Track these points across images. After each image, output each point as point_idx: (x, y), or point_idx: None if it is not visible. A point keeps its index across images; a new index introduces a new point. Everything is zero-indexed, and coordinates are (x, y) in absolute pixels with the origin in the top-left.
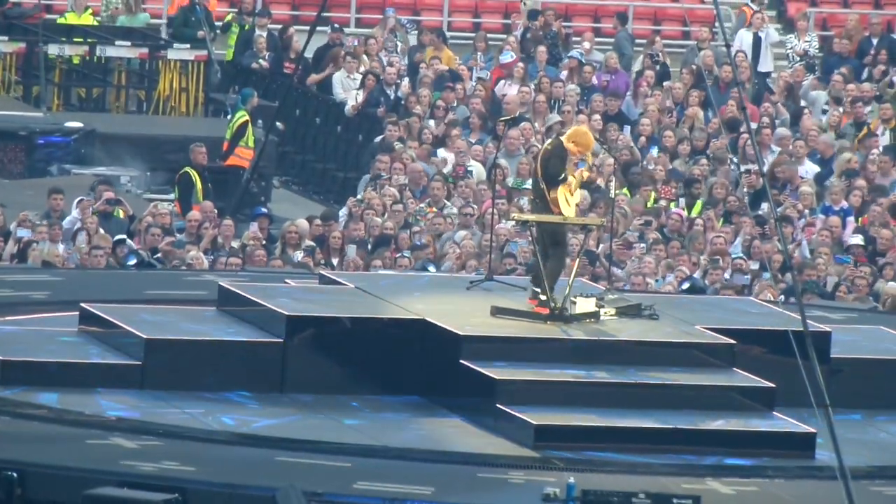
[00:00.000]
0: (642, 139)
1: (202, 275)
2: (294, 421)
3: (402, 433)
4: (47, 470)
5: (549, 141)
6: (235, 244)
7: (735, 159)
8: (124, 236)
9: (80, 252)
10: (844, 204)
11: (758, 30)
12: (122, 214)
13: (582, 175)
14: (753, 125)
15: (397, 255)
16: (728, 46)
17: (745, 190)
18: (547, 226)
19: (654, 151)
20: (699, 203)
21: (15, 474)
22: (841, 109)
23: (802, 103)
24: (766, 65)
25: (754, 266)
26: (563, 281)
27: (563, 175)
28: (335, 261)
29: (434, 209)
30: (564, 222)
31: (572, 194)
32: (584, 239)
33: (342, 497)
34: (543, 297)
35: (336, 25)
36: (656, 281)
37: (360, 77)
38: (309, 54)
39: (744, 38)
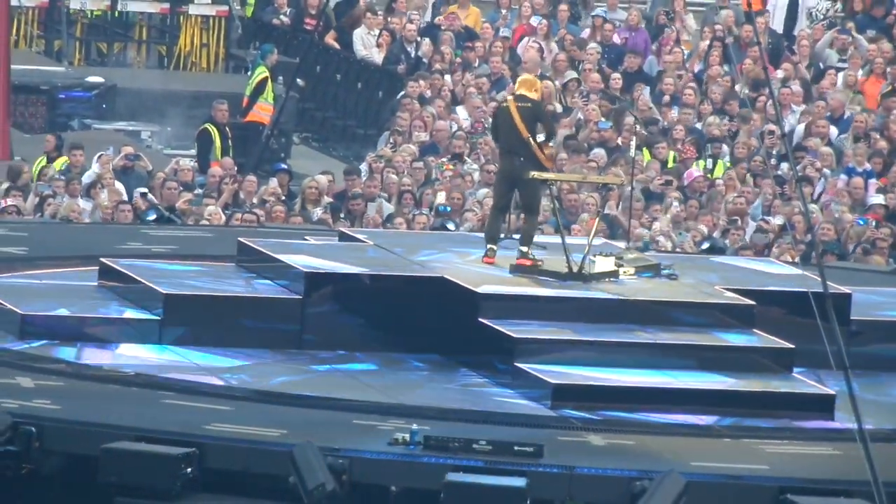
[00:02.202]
0: (665, 98)
1: (221, 231)
2: (312, 377)
3: (419, 391)
4: (66, 424)
5: (512, 98)
6: (255, 200)
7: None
8: (145, 190)
9: (100, 207)
10: (868, 166)
11: None
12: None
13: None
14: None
15: (416, 213)
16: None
17: (767, 150)
18: (531, 183)
19: (676, 111)
20: (721, 163)
21: (33, 428)
22: (861, 71)
23: (821, 65)
24: (799, 26)
25: (772, 225)
26: (583, 239)
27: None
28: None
29: (451, 166)
30: (584, 181)
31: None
32: (603, 198)
33: (359, 453)
34: (525, 249)
35: None
36: (677, 236)
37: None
38: (330, 11)
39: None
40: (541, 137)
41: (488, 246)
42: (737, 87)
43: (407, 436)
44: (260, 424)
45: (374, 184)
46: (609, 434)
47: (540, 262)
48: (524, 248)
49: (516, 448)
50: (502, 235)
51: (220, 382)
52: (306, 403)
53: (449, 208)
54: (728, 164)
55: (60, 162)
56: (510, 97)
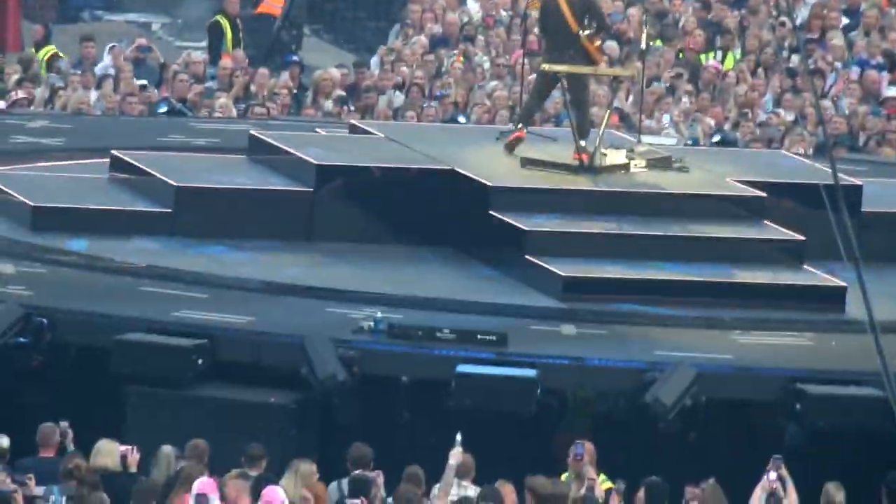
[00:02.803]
0: None
1: (232, 122)
2: (322, 269)
3: (429, 282)
4: (77, 316)
5: None
6: (266, 93)
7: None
8: (145, 82)
9: (108, 99)
10: (880, 59)
11: None
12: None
13: None
14: None
15: (425, 105)
16: None
17: (778, 43)
18: (578, 77)
19: (688, 2)
20: (731, 55)
21: (45, 320)
22: None
23: None
24: None
25: (789, 117)
26: (595, 132)
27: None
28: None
29: (462, 58)
30: (595, 73)
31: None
32: (614, 90)
33: (369, 344)
34: (583, 143)
35: None
36: (688, 128)
37: None
38: None
39: None
40: (590, 31)
41: (520, 125)
42: None
43: (371, 324)
44: (271, 315)
45: (386, 76)
46: (619, 326)
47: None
48: (582, 143)
49: (479, 336)
50: (509, 125)
51: (231, 274)
52: (317, 295)
53: (447, 91)
54: (738, 57)
55: (44, 51)
56: None
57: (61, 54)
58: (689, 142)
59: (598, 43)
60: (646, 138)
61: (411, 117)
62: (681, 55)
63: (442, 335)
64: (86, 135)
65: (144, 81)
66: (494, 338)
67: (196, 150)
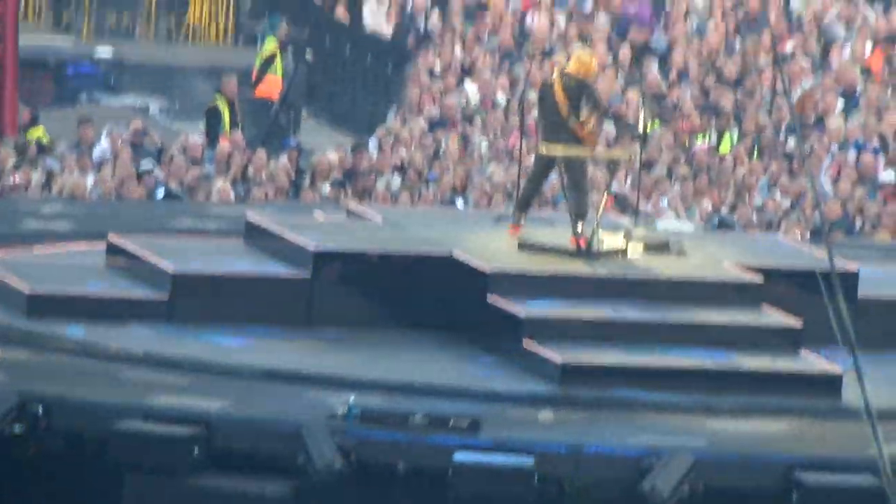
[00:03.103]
0: (673, 72)
1: (230, 207)
2: (320, 356)
3: (427, 369)
4: (73, 403)
5: (557, 76)
6: (265, 176)
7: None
8: (150, 167)
9: (106, 183)
10: (876, 142)
11: None
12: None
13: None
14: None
15: (423, 189)
16: None
17: (775, 126)
18: (574, 161)
19: (684, 85)
20: (728, 137)
21: (41, 407)
22: (871, 43)
23: (829, 37)
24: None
25: (786, 202)
26: (592, 216)
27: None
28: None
29: (456, 140)
30: (593, 156)
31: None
32: (611, 173)
33: (367, 432)
34: (579, 230)
35: None
36: (686, 212)
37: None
38: None
39: None
40: (583, 115)
41: (516, 214)
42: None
43: (345, 409)
44: (269, 403)
45: (384, 159)
46: (616, 413)
47: (597, 240)
48: (580, 227)
49: (452, 422)
50: (509, 211)
51: (229, 361)
52: (315, 382)
53: (436, 175)
54: (735, 139)
55: (32, 133)
56: (556, 74)
57: (45, 138)
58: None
59: (589, 126)
60: (661, 223)
61: (407, 199)
62: (678, 138)
63: (414, 421)
64: (81, 219)
65: (150, 167)
66: (467, 424)
67: (193, 234)
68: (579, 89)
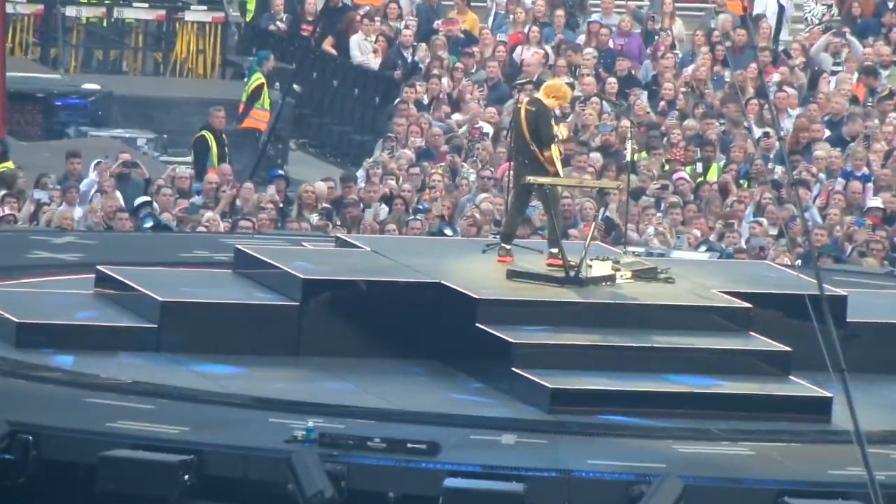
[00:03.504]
0: (662, 103)
1: (218, 237)
2: (309, 384)
3: (416, 396)
4: (63, 432)
5: (527, 101)
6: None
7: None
8: (146, 198)
9: (94, 215)
10: (865, 170)
11: None
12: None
13: (561, 131)
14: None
15: (410, 219)
16: (745, 9)
17: (763, 154)
18: (541, 186)
19: (673, 116)
20: (714, 166)
21: (30, 437)
22: (855, 75)
23: (817, 67)
24: (785, 34)
25: (771, 231)
26: (580, 244)
27: (555, 132)
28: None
29: (440, 171)
30: (581, 185)
31: (561, 153)
32: (601, 202)
33: (358, 459)
34: (554, 251)
35: None
36: (675, 241)
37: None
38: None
39: (768, 5)
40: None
41: (502, 245)
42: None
43: (304, 433)
44: (258, 431)
45: (372, 189)
46: (607, 438)
47: (572, 262)
48: (553, 249)
49: (409, 445)
50: (495, 236)
51: (218, 389)
52: (305, 410)
53: (426, 206)
54: (723, 168)
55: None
56: (525, 100)
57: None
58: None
59: (547, 153)
60: (677, 254)
61: (394, 230)
62: (666, 167)
63: (373, 444)
64: (71, 250)
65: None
66: (424, 446)
67: (182, 264)
68: (536, 115)
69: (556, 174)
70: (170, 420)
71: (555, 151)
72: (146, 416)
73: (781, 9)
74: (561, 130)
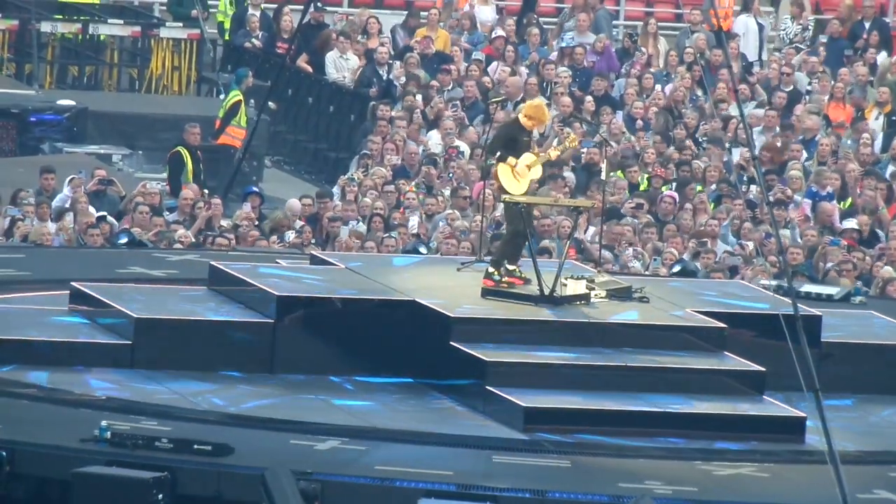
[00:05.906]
0: (639, 122)
1: (193, 254)
2: (284, 401)
3: (391, 414)
4: (36, 448)
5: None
6: (225, 223)
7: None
8: (104, 213)
9: (66, 231)
10: (830, 189)
11: (759, 17)
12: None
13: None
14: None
15: (385, 236)
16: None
17: (738, 173)
18: (505, 204)
19: (649, 134)
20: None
21: (4, 453)
22: (827, 97)
23: (791, 87)
24: (764, 53)
25: (745, 249)
26: (555, 263)
27: (498, 152)
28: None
29: (413, 188)
30: (555, 204)
31: (529, 170)
32: (574, 221)
33: (331, 476)
34: (490, 270)
35: (320, 4)
36: (651, 261)
37: (353, 57)
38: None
39: (748, 25)
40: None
41: (506, 265)
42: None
43: (97, 432)
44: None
45: (347, 207)
46: (580, 458)
47: (504, 284)
48: (490, 269)
49: (196, 446)
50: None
51: (192, 406)
52: (279, 427)
53: (403, 223)
54: (700, 188)
55: None
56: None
57: None
58: (649, 272)
59: (496, 169)
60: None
61: (371, 248)
62: (641, 186)
63: (160, 444)
64: (45, 266)
65: (104, 213)
66: (210, 448)
67: (156, 281)
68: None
69: (501, 189)
70: (143, 437)
71: (503, 170)
72: (120, 433)
73: (761, 28)
74: (550, 153)
